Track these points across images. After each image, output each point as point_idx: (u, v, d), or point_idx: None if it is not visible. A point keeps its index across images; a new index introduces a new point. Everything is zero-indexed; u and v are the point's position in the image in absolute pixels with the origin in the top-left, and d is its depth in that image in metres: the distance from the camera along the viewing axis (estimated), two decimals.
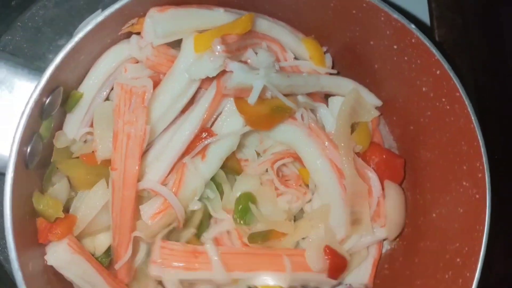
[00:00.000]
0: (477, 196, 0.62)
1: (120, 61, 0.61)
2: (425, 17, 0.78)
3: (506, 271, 0.69)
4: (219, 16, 0.62)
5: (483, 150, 0.60)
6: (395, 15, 0.58)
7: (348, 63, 0.74)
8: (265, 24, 0.68)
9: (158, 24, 0.58)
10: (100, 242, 0.63)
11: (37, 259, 0.54)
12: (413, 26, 0.58)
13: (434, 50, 0.59)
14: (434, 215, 0.71)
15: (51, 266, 0.57)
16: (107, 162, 0.58)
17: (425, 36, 0.59)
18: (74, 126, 0.61)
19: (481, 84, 0.72)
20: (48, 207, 0.54)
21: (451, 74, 0.59)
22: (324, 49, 0.74)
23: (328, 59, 0.75)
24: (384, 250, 0.80)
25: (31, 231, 0.54)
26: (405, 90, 0.69)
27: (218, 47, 0.56)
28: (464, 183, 0.64)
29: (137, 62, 0.63)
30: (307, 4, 0.64)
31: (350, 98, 0.69)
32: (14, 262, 0.47)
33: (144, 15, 0.58)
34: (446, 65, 0.59)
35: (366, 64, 0.72)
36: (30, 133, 0.50)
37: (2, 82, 0.49)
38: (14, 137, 0.47)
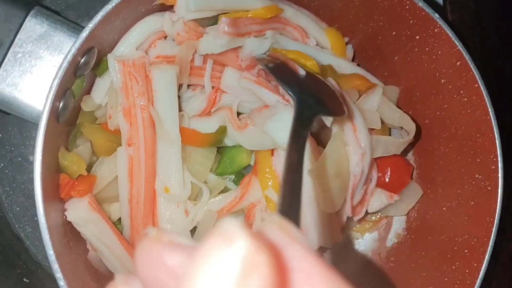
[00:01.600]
0: (489, 188, 0.63)
1: (151, 32, 0.63)
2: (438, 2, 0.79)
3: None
4: None
5: (497, 141, 0.61)
6: (420, 4, 0.60)
7: (368, 55, 0.76)
8: (290, 11, 0.70)
9: None
10: (115, 209, 0.65)
11: (57, 213, 0.56)
12: (437, 15, 0.60)
13: (456, 40, 0.60)
14: (444, 208, 0.72)
15: (69, 223, 0.59)
16: None
17: (448, 26, 0.60)
18: (101, 92, 0.63)
19: (492, 67, 0.73)
20: (73, 163, 0.55)
21: (471, 65, 0.61)
22: (346, 39, 0.76)
23: (350, 50, 0.77)
24: (391, 243, 0.81)
25: (54, 185, 0.56)
26: (423, 82, 0.70)
27: (223, 26, 0.59)
28: (477, 176, 0.66)
29: (165, 37, 0.65)
30: None
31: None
32: (40, 209, 0.48)
33: None
34: (467, 56, 0.61)
35: (386, 56, 0.73)
36: (63, 89, 0.52)
37: (42, 36, 0.51)
38: (49, 90, 0.49)
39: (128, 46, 0.61)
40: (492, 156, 0.62)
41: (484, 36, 0.74)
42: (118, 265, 0.60)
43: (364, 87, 0.70)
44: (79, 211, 0.57)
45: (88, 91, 0.62)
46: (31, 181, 0.71)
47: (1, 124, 0.72)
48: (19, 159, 0.73)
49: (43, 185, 0.48)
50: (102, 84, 0.62)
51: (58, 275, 0.47)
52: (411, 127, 0.69)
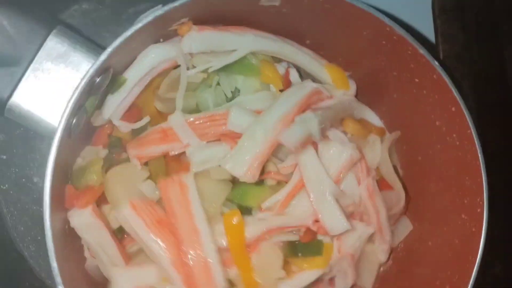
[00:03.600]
0: (473, 229, 0.67)
1: (163, 59, 0.66)
2: (430, 33, 0.85)
3: None
4: (248, 40, 0.69)
5: (485, 186, 0.65)
6: (422, 51, 0.63)
7: (367, 90, 0.79)
8: (288, 49, 0.73)
9: (193, 41, 0.65)
10: (114, 218, 0.67)
11: (59, 222, 0.58)
12: (436, 63, 0.63)
13: (452, 88, 0.64)
14: (430, 243, 0.75)
15: (69, 232, 0.61)
16: None
17: (446, 74, 0.64)
18: (111, 108, 0.65)
19: (481, 96, 0.78)
20: (93, 173, 0.59)
21: (466, 112, 0.64)
22: (347, 74, 0.79)
23: (352, 84, 0.80)
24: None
25: (59, 196, 0.58)
26: (419, 121, 0.74)
27: None
28: (463, 216, 0.69)
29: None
30: (341, 30, 0.69)
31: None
32: (46, 222, 0.51)
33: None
34: (462, 104, 0.64)
35: (385, 93, 0.77)
36: (77, 107, 0.55)
37: (61, 56, 0.54)
38: (65, 108, 0.52)
39: (140, 70, 0.64)
40: (478, 200, 0.65)
41: (473, 65, 0.79)
42: None
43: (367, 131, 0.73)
44: (83, 218, 0.59)
45: (100, 106, 0.65)
46: (35, 201, 0.75)
47: (6, 145, 0.75)
48: (23, 180, 0.75)
49: (51, 196, 0.51)
50: (113, 100, 0.65)
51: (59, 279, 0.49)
52: (400, 196, 0.72)
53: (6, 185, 0.76)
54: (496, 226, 0.64)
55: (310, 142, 0.65)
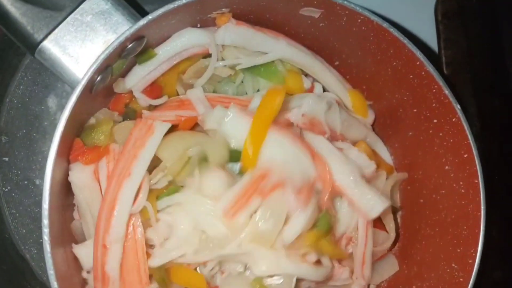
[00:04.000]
0: (461, 279, 0.66)
1: (196, 43, 0.68)
2: (433, 39, 0.86)
3: None
4: (281, 47, 0.70)
5: (481, 238, 0.64)
6: (446, 91, 0.64)
7: (385, 122, 0.80)
8: (318, 67, 0.75)
9: (228, 33, 0.67)
10: None
11: (60, 173, 0.59)
12: (458, 106, 0.64)
13: (469, 134, 0.64)
14: (414, 287, 0.74)
15: (65, 187, 0.62)
16: None
17: (465, 119, 0.64)
18: (135, 78, 0.66)
19: (482, 101, 0.79)
20: (102, 133, 0.60)
21: (477, 161, 0.64)
22: (368, 103, 0.80)
23: (371, 114, 0.80)
24: None
25: (67, 146, 0.59)
26: (429, 163, 0.74)
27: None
28: (453, 265, 0.68)
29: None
30: (372, 56, 0.70)
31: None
32: (49, 165, 0.51)
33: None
34: (475, 152, 0.64)
35: (402, 129, 0.77)
36: (105, 65, 0.56)
37: (103, 13, 0.55)
38: (93, 63, 0.53)
39: (172, 48, 0.65)
40: (472, 251, 0.65)
41: (475, 71, 0.79)
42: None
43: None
44: (82, 175, 0.60)
45: (124, 74, 0.66)
46: (37, 204, 0.76)
47: (8, 148, 0.76)
48: (26, 182, 0.77)
49: (60, 142, 0.51)
50: (138, 71, 0.66)
51: (46, 230, 0.49)
52: (389, 237, 0.74)
53: (8, 187, 0.76)
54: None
55: None
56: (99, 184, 0.62)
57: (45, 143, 0.78)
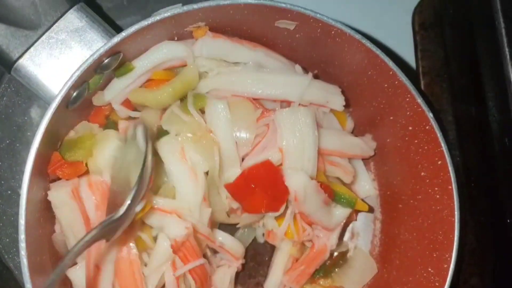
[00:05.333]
0: (437, 284, 0.67)
1: (174, 57, 0.68)
2: (410, 50, 0.87)
3: None
4: (258, 56, 0.71)
5: (455, 243, 0.65)
6: (419, 100, 0.65)
7: (364, 129, 0.81)
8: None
9: (206, 46, 0.68)
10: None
11: (38, 188, 0.59)
12: (431, 115, 0.65)
13: (442, 142, 0.65)
14: None
15: (46, 202, 0.62)
16: None
17: (438, 126, 0.65)
18: (114, 91, 0.67)
19: (459, 110, 0.80)
20: (83, 148, 0.60)
21: (450, 168, 0.65)
22: (347, 111, 0.82)
23: (350, 122, 0.82)
24: None
25: (44, 160, 0.60)
26: (405, 170, 0.75)
27: None
28: (430, 269, 0.69)
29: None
30: (348, 66, 0.71)
31: None
32: (25, 182, 0.52)
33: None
34: (448, 158, 0.65)
35: (380, 136, 0.79)
36: (81, 81, 0.57)
37: (77, 30, 0.56)
38: (69, 79, 0.54)
39: (150, 62, 0.66)
40: (447, 256, 0.66)
41: (452, 80, 0.80)
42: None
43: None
44: (60, 194, 0.60)
45: (103, 87, 0.67)
46: None
47: None
48: (9, 192, 0.77)
49: (36, 157, 0.52)
50: (117, 85, 0.67)
51: (23, 244, 0.50)
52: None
53: None
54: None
55: None
56: (80, 203, 0.62)
57: (28, 153, 0.78)
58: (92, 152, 0.62)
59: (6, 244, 0.76)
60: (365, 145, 0.78)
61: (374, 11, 0.89)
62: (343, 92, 0.78)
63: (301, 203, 0.67)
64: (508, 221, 0.69)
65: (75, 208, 0.62)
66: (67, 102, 0.56)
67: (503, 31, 0.59)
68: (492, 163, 0.73)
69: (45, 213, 0.63)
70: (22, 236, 0.50)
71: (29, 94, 0.79)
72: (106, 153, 0.61)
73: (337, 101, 0.73)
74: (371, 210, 0.81)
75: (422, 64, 0.81)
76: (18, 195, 0.75)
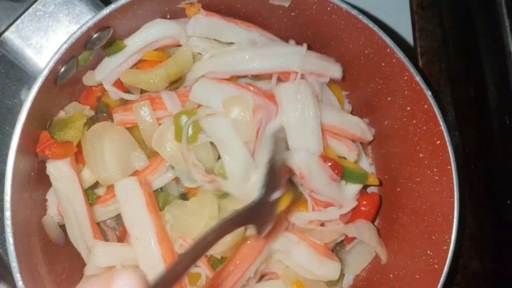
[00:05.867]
0: (436, 266, 0.66)
1: (166, 35, 0.67)
2: (408, 30, 0.86)
3: None
4: (254, 37, 0.70)
5: (455, 224, 0.64)
6: (417, 78, 0.63)
7: (361, 112, 0.79)
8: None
9: (198, 24, 0.66)
10: (85, 177, 0.66)
11: (26, 165, 0.58)
12: (430, 93, 0.64)
13: (441, 120, 0.64)
14: (391, 275, 0.74)
15: (35, 182, 0.61)
16: None
17: (437, 105, 0.64)
18: (105, 71, 0.66)
19: (458, 91, 0.79)
20: (74, 128, 0.59)
21: (449, 147, 0.64)
22: (344, 93, 0.80)
23: (347, 105, 0.80)
24: None
25: (32, 139, 0.58)
26: (404, 152, 0.74)
27: None
28: (429, 252, 0.68)
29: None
30: (345, 44, 0.70)
31: None
32: (11, 157, 0.50)
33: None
34: (447, 137, 0.64)
35: (378, 118, 0.77)
36: (69, 55, 0.55)
37: (66, 3, 0.55)
38: (56, 52, 0.52)
39: (142, 40, 0.64)
40: (446, 237, 0.65)
41: (450, 61, 0.79)
42: (77, 233, 0.61)
43: None
44: (59, 165, 0.59)
45: (94, 67, 0.65)
46: None
47: None
48: None
49: (22, 134, 0.51)
50: (108, 64, 0.65)
51: (8, 222, 0.48)
52: None
53: None
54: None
55: None
56: (77, 175, 0.62)
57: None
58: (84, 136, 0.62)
59: None
60: (365, 125, 0.76)
61: None
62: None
63: (308, 179, 0.66)
64: (509, 202, 0.68)
65: (74, 179, 0.61)
66: (55, 77, 0.55)
67: (503, 1, 0.57)
68: (491, 146, 0.72)
69: (34, 194, 0.61)
70: (7, 213, 0.49)
71: (19, 76, 0.77)
72: None
73: (335, 68, 0.72)
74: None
75: (420, 44, 0.79)
76: None
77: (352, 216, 0.76)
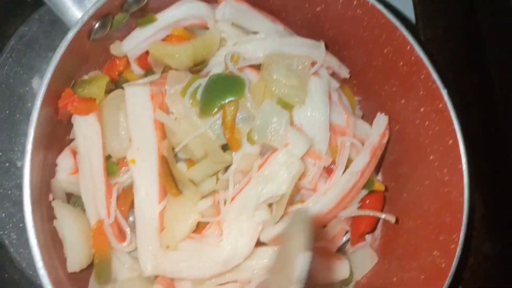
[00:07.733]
0: (443, 265, 0.65)
1: (196, 15, 0.69)
2: (411, 17, 0.87)
3: None
4: (276, 29, 0.72)
5: (464, 223, 0.64)
6: (435, 76, 0.65)
7: (371, 119, 0.81)
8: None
9: (229, 8, 0.69)
10: None
11: (47, 122, 0.58)
12: (445, 91, 0.65)
13: (455, 119, 0.65)
14: (395, 279, 0.73)
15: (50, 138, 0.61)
16: None
17: (452, 105, 0.65)
18: (133, 42, 0.67)
19: (462, 78, 0.79)
20: (97, 87, 0.60)
21: (461, 146, 0.65)
22: (357, 99, 0.82)
23: (358, 112, 0.82)
24: None
25: (57, 94, 0.59)
26: (415, 156, 0.74)
27: None
28: (435, 253, 0.67)
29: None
30: (365, 44, 0.72)
31: None
32: (36, 109, 0.51)
33: None
34: (460, 137, 0.65)
35: (389, 123, 0.78)
36: (105, 12, 0.57)
37: None
38: (93, 4, 0.54)
39: (173, 16, 0.67)
40: (454, 236, 0.64)
41: (453, 50, 0.80)
42: (90, 187, 0.61)
43: None
44: (86, 117, 0.60)
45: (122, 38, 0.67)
46: (18, 186, 0.74)
47: None
48: (7, 164, 0.75)
49: (48, 87, 0.51)
50: (137, 35, 0.67)
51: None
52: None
53: None
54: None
55: None
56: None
57: (28, 124, 0.76)
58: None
59: (1, 219, 0.73)
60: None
61: None
62: (354, 78, 0.80)
63: None
64: None
65: (98, 133, 0.61)
66: (89, 31, 0.56)
67: None
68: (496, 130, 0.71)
69: (46, 153, 0.61)
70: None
71: (31, 64, 0.78)
72: None
73: (343, 69, 0.76)
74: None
75: (424, 32, 0.81)
76: (17, 167, 0.75)
77: (356, 218, 0.76)
